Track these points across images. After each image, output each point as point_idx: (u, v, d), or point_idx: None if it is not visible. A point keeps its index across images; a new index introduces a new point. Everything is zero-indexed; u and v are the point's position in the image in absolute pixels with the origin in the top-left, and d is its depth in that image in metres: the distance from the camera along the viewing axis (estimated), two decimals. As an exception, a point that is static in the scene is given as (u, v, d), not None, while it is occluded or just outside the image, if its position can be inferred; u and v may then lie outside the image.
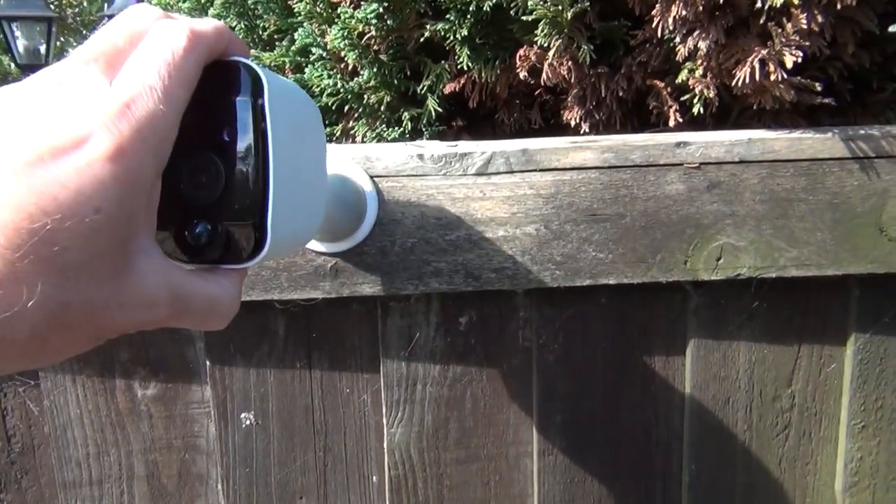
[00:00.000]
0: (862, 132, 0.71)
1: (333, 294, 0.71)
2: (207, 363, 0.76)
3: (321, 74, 0.88)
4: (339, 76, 0.89)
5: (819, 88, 0.69)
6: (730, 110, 0.83)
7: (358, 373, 0.78)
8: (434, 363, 0.78)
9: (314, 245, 0.68)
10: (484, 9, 0.76)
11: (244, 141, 0.42)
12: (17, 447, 0.78)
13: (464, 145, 0.69)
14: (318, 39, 0.88)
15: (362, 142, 0.96)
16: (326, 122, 1.00)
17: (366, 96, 0.89)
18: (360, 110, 0.91)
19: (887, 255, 0.73)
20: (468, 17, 0.78)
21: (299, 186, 0.47)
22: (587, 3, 0.73)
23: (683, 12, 0.65)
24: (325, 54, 0.88)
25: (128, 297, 0.36)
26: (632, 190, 0.70)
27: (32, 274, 0.32)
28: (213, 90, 0.42)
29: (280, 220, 0.43)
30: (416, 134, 0.95)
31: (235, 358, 0.76)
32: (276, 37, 0.96)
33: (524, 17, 0.73)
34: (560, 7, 0.71)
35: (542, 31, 0.74)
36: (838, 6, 0.63)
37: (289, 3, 0.91)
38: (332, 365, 0.78)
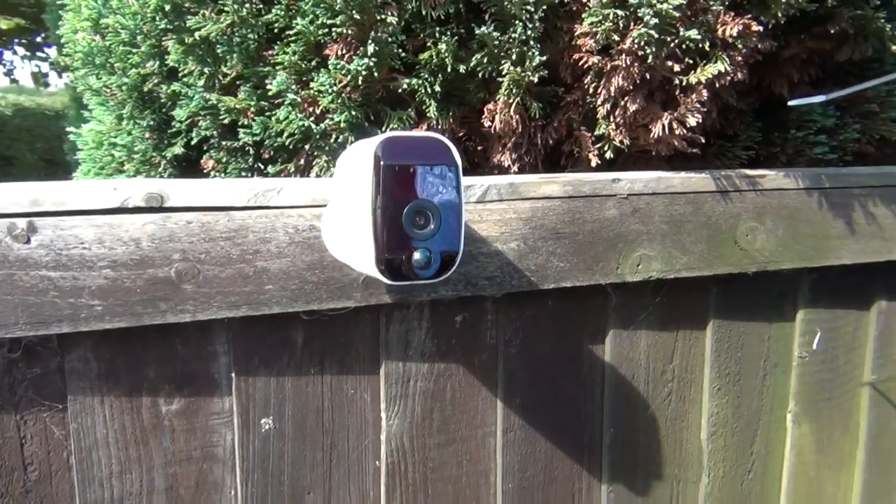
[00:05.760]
0: (723, 173, 1.01)
1: (363, 303, 0.84)
2: (233, 375, 0.84)
3: (295, 117, 1.00)
4: (310, 119, 1.01)
5: (703, 141, 0.97)
6: (619, 155, 1.09)
7: (361, 375, 0.90)
8: (424, 362, 0.93)
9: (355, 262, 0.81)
10: (459, 71, 0.95)
11: (453, 195, 0.67)
12: (34, 475, 0.78)
13: (467, 180, 0.87)
14: (294, 87, 1.00)
15: (317, 177, 1.08)
16: (279, 160, 1.10)
17: (332, 136, 1.02)
18: (325, 149, 1.04)
19: (739, 260, 1.03)
20: (439, 76, 0.96)
21: None
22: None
23: (623, 83, 0.89)
24: (298, 99, 1.00)
25: None
26: (583, 214, 0.93)
27: None
28: (424, 154, 0.65)
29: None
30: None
31: (259, 369, 0.85)
32: (238, 82, 1.05)
33: (501, 80, 0.93)
34: (522, 71, 0.92)
35: (507, 89, 0.94)
36: (716, 85, 0.92)
37: (262, 54, 1.01)
38: (340, 369, 0.89)
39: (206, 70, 1.03)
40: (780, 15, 0.84)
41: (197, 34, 0.99)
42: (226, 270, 0.78)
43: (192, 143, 1.13)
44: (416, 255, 0.65)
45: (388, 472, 0.93)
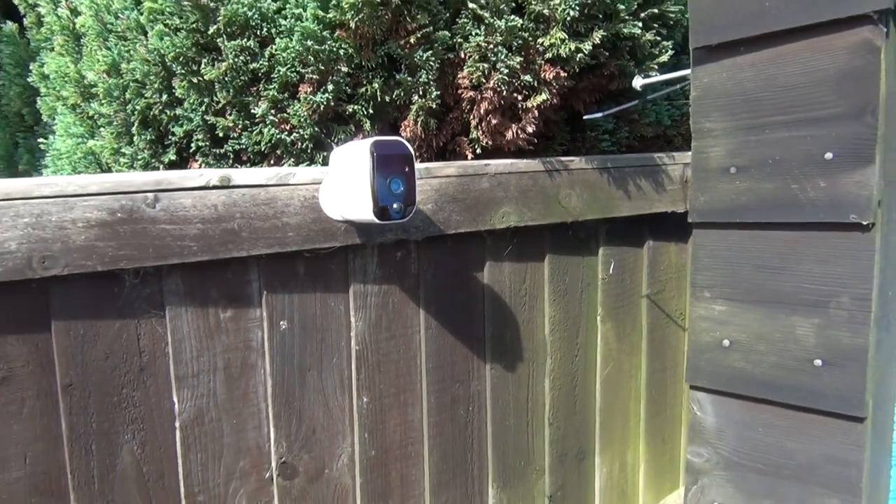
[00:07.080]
0: (548, 160, 1.62)
1: (343, 243, 1.36)
2: (265, 293, 1.32)
3: (274, 132, 1.50)
4: (284, 133, 1.52)
5: (536, 142, 1.58)
6: (483, 152, 1.68)
7: (338, 293, 1.42)
8: (375, 284, 1.46)
9: (351, 214, 1.31)
10: (385, 99, 1.50)
11: (410, 170, 1.15)
12: (146, 358, 1.23)
13: (400, 165, 1.41)
14: (272, 111, 1.50)
15: (285, 172, 1.57)
16: (253, 162, 1.59)
17: (297, 144, 1.53)
18: (292, 153, 1.54)
19: (562, 214, 1.65)
20: (371, 103, 1.51)
21: None
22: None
23: (488, 107, 1.48)
24: (276, 120, 1.50)
25: None
26: (469, 186, 1.50)
27: None
28: (396, 150, 1.13)
29: None
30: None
31: (278, 288, 1.34)
32: (225, 108, 1.53)
33: (412, 106, 1.49)
34: (425, 101, 1.48)
35: (415, 112, 1.50)
36: (542, 107, 1.53)
37: (250, 88, 1.50)
38: (326, 289, 1.40)
39: (204, 100, 1.51)
40: (576, 67, 1.47)
41: (204, 76, 1.47)
42: (265, 224, 1.27)
43: (189, 152, 1.59)
44: (395, 206, 1.18)
45: (356, 356, 1.45)
